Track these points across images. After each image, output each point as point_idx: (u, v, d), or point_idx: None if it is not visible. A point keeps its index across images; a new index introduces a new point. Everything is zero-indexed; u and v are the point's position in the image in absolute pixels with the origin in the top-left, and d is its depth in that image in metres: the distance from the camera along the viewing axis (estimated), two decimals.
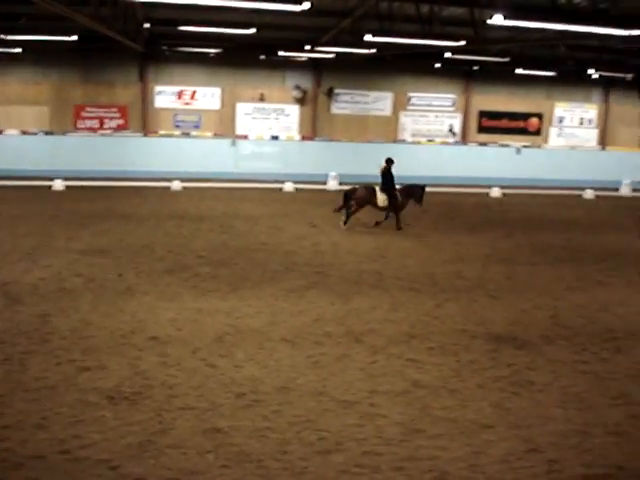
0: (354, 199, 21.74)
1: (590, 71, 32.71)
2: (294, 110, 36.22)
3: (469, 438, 9.00)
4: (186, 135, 34.70)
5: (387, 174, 21.66)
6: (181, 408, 9.41)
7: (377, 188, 21.66)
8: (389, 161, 21.80)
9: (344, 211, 21.84)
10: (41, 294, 14.23)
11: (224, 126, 35.58)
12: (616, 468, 8.52)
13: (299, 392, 10.05)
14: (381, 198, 21.55)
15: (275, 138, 35.39)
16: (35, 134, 33.17)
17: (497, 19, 16.01)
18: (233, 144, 33.40)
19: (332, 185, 30.15)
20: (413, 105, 37.45)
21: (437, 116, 37.81)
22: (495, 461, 8.49)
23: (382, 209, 22.00)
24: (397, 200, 21.82)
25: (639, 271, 18.13)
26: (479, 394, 10.35)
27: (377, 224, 22.19)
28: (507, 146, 36.85)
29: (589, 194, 31.27)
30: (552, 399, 10.35)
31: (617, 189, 32.64)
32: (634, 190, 32.63)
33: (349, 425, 9.17)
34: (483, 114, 38.11)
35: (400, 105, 37.25)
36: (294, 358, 11.28)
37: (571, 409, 10.05)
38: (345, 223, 21.82)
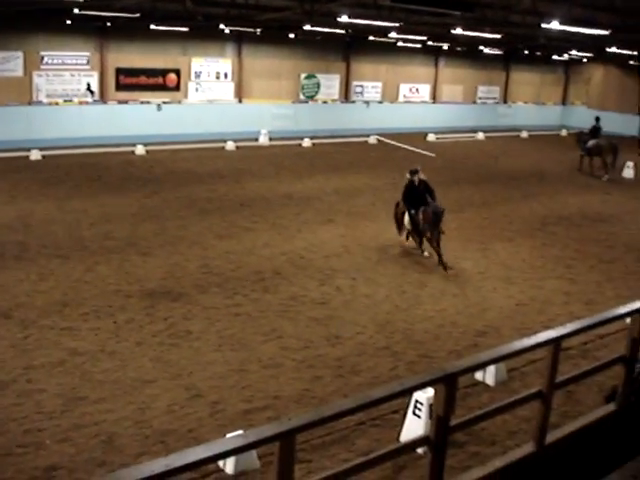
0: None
1: (222, 26, 33.62)
2: None
3: (132, 396, 9.10)
4: None
5: (412, 190, 15.79)
6: None
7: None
8: (416, 172, 15.75)
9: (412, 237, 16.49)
10: None
11: None
12: (274, 398, 9.22)
13: None
14: (406, 219, 16.07)
15: None
16: None
17: None
18: None
19: None
20: (47, 64, 35.59)
21: (73, 75, 36.33)
22: (161, 413, 8.71)
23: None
24: (418, 225, 15.70)
25: (279, 215, 19.41)
26: (139, 351, 10.46)
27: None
28: (148, 103, 36.74)
29: (230, 146, 32.46)
30: (209, 344, 10.82)
31: (256, 139, 34.30)
32: (270, 139, 34.57)
33: (6, 406, 8.74)
34: (120, 71, 37.44)
35: (32, 65, 35.16)
36: None
37: (227, 351, 10.61)
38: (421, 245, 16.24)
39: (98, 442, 8.04)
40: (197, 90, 39.54)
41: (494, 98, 49.33)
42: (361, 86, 43.64)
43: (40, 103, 35.27)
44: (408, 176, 15.78)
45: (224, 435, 7.03)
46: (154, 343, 10.75)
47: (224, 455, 3.97)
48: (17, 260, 14.62)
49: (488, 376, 9.81)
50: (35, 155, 27.34)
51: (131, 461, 7.52)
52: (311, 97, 42.14)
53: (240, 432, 6.41)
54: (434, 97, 46.49)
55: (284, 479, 4.15)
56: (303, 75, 41.78)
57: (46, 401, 8.92)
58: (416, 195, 15.58)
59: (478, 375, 9.84)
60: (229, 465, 7.46)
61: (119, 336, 10.98)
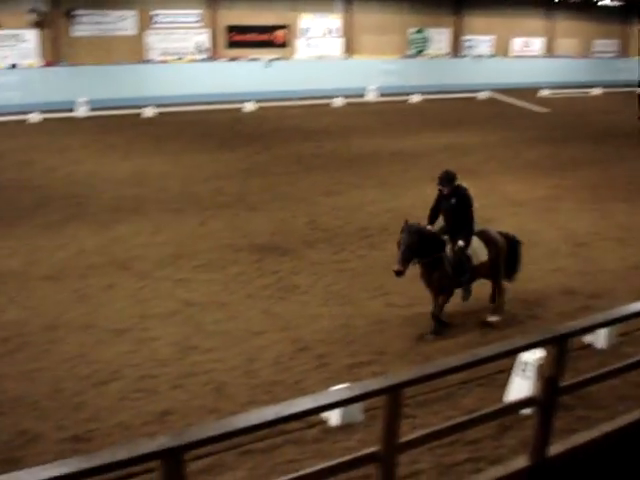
0: None
1: None
2: (32, 35, 33.86)
3: (242, 347, 9.37)
4: None
5: (444, 203, 9.89)
6: None
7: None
8: (447, 178, 9.74)
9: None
10: None
11: None
12: (378, 354, 9.29)
13: (68, 328, 9.84)
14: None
15: (14, 66, 32.96)
16: None
17: None
18: None
19: (81, 112, 28.80)
20: (158, 23, 36.38)
21: (184, 33, 37.07)
22: (268, 364, 8.94)
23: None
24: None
25: (386, 172, 19.33)
26: (248, 304, 10.73)
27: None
28: (257, 60, 37.08)
29: (337, 102, 32.45)
30: (316, 299, 10.98)
31: (363, 95, 34.13)
32: (381, 95, 34.33)
33: (123, 353, 9.17)
34: (231, 29, 37.89)
35: (145, 24, 36.02)
36: (58, 295, 10.96)
37: (334, 305, 10.74)
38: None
39: (209, 390, 8.34)
40: (306, 46, 39.50)
41: (612, 52, 47.18)
42: (472, 40, 42.60)
43: (152, 61, 36.08)
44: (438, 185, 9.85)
45: (329, 388, 7.17)
46: (263, 296, 11.00)
47: (332, 406, 4.06)
48: (134, 213, 15.21)
49: (599, 339, 9.57)
50: (148, 112, 28.13)
51: (240, 409, 7.76)
52: (420, 52, 41.44)
53: (346, 385, 6.51)
54: (548, 51, 44.87)
55: (390, 433, 4.21)
56: (412, 30, 41.09)
57: (160, 349, 9.30)
58: (445, 216, 9.89)
59: (588, 338, 9.61)
60: (334, 417, 7.60)
61: (230, 289, 11.29)
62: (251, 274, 11.92)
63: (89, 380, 8.48)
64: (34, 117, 27.25)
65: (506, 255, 10.22)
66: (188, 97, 31.31)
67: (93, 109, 28.52)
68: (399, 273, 9.23)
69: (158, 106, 28.83)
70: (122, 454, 3.27)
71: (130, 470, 5.98)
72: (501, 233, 10.35)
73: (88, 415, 7.76)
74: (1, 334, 9.62)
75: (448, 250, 9.63)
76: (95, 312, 10.35)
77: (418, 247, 9.29)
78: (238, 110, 30.12)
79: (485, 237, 10.01)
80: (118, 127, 25.35)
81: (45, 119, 27.07)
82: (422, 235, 9.37)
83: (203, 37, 37.59)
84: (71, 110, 28.32)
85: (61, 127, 25.79)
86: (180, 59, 36.68)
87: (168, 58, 36.51)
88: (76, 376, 8.56)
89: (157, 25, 36.51)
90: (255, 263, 12.42)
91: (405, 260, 9.24)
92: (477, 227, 10.00)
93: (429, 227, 9.79)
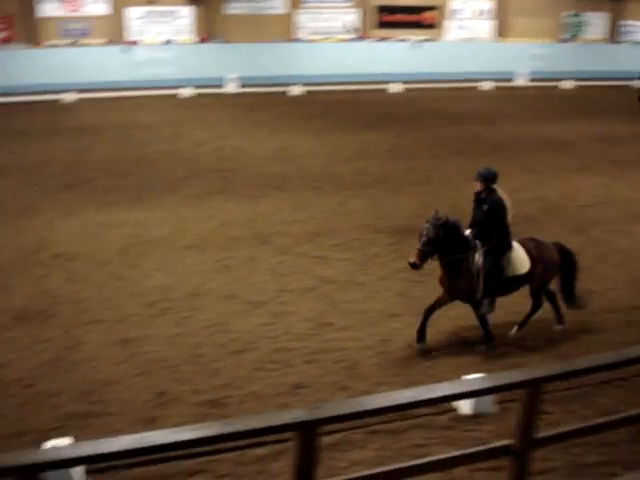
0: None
1: None
2: (187, 12, 35.08)
3: (376, 327, 9.37)
4: (75, 44, 33.25)
5: (477, 209, 9.06)
6: (91, 322, 9.42)
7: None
8: (484, 175, 9.11)
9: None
10: None
11: (115, 32, 34.21)
12: (515, 346, 9.04)
13: (209, 296, 10.18)
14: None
15: (169, 42, 34.29)
16: None
17: None
18: (125, 51, 32.18)
19: (231, 88, 29.62)
20: (308, 2, 36.80)
21: (333, 12, 37.32)
22: (402, 347, 8.89)
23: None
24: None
25: (533, 159, 18.75)
26: (384, 285, 10.71)
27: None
28: (405, 40, 36.82)
29: (485, 85, 31.78)
30: None
31: (511, 79, 33.26)
32: (531, 80, 33.35)
33: (260, 324, 9.39)
34: (381, 9, 37.80)
35: (295, 3, 36.52)
36: (202, 264, 11.35)
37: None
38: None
39: (341, 367, 8.40)
40: (457, 27, 38.82)
41: None
42: (630, 26, 40.48)
43: (301, 40, 36.49)
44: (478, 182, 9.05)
45: (460, 376, 7.06)
46: (399, 279, 10.95)
47: (469, 395, 4.01)
48: (277, 189, 15.52)
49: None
50: (296, 90, 28.55)
51: (371, 389, 7.78)
52: (574, 36, 39.83)
53: (484, 375, 6.39)
54: None
55: (526, 427, 4.10)
56: (567, 13, 39.52)
57: (296, 323, 9.46)
58: (477, 222, 8.94)
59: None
60: (465, 406, 7.48)
61: (366, 269, 11.32)
62: (388, 256, 11.90)
63: (227, 348, 8.75)
64: (186, 92, 28.26)
65: (559, 273, 9.22)
66: (335, 77, 31.53)
67: (242, 86, 29.24)
68: (414, 266, 8.44)
69: (305, 85, 29.20)
70: (260, 423, 3.35)
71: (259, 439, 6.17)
72: (558, 246, 9.30)
73: (224, 382, 8.01)
74: (148, 298, 10.08)
75: (477, 256, 8.69)
76: (236, 283, 10.65)
77: (440, 242, 8.41)
78: (384, 91, 30.03)
79: (530, 247, 9.02)
80: (265, 104, 25.89)
81: (196, 94, 28.01)
82: (448, 230, 8.45)
83: (352, 17, 37.67)
84: (221, 86, 29.14)
85: (211, 102, 26.64)
86: (328, 38, 36.93)
87: (317, 37, 36.84)
88: (215, 343, 8.85)
89: (307, 4, 36.90)
90: (393, 245, 12.38)
91: (423, 253, 8.40)
92: (523, 236, 9.25)
93: (464, 228, 8.81)
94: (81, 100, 27.39)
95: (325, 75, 31.70)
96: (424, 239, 8.39)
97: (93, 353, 8.63)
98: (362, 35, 37.71)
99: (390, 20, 38.10)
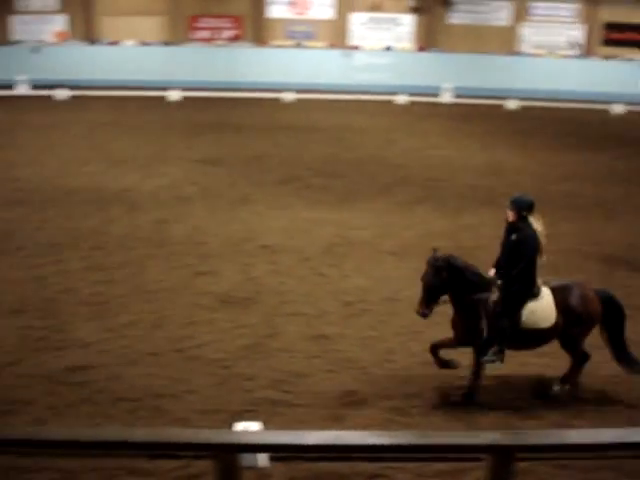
0: None
1: None
2: (409, 20, 35.33)
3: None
4: (299, 46, 34.50)
5: (506, 238, 7.85)
6: (290, 314, 9.71)
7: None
8: (517, 202, 7.74)
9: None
10: (158, 201, 14.77)
11: (337, 36, 35.14)
12: None
13: (405, 303, 10.13)
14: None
15: (389, 49, 34.69)
16: (151, 44, 33.70)
17: None
18: (346, 55, 32.98)
19: (446, 98, 29.48)
20: (533, 15, 35.83)
21: (558, 27, 36.07)
22: (601, 381, 8.38)
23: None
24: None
25: None
26: None
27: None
28: (633, 60, 34.88)
29: None
30: None
31: None
32: None
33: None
34: (609, 26, 36.03)
35: (520, 15, 35.69)
36: (401, 271, 11.35)
37: None
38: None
39: (535, 394, 8.06)
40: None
41: None
42: None
43: (522, 54, 35.60)
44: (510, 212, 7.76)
45: None
46: None
47: None
48: (484, 204, 15.19)
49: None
50: (511, 105, 27.96)
51: (565, 421, 7.40)
52: None
53: None
54: None
55: None
56: None
57: None
58: (502, 252, 7.88)
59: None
60: None
61: None
62: (595, 284, 11.26)
63: (418, 357, 8.66)
64: (401, 99, 28.48)
65: (601, 325, 7.87)
66: (554, 93, 30.54)
67: (457, 96, 29.02)
68: (424, 315, 7.60)
69: (522, 99, 28.47)
70: (455, 440, 3.27)
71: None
72: (603, 295, 7.88)
73: (413, 390, 7.95)
74: (346, 298, 10.24)
75: (494, 296, 7.56)
76: None
77: (444, 286, 7.51)
78: (605, 112, 28.64)
79: (562, 296, 7.66)
80: (480, 117, 25.54)
81: (411, 102, 28.16)
82: (452, 271, 7.47)
83: (577, 32, 36.25)
84: (436, 95, 29.10)
85: (425, 111, 26.67)
86: (551, 53, 35.76)
87: (539, 51, 35.80)
88: (407, 351, 8.82)
89: (532, 17, 35.95)
90: (602, 274, 11.73)
91: (427, 301, 7.52)
92: (560, 281, 8.02)
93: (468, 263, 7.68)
94: (299, 100, 28.36)
95: (543, 91, 30.75)
96: (423, 286, 7.53)
97: (289, 344, 8.88)
98: (586, 52, 36.18)
99: (618, 38, 36.23)
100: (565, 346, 7.87)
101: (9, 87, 28.75)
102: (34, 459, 6.71)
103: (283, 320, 9.52)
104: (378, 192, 15.77)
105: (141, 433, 3.69)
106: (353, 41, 35.28)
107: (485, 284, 7.60)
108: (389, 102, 28.14)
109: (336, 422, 7.29)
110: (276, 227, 13.26)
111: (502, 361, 7.67)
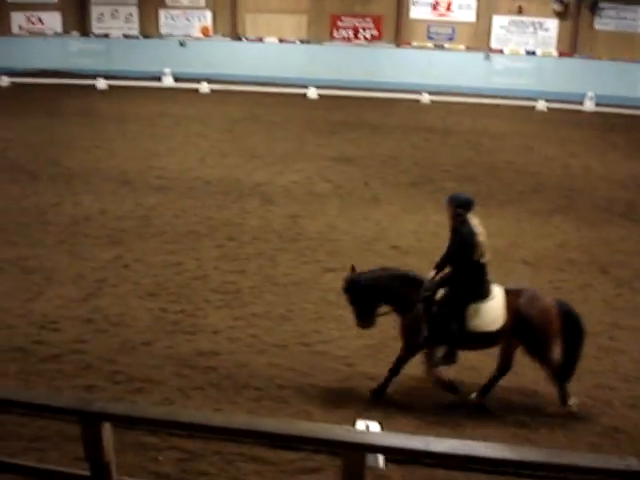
0: None
1: None
2: (553, 24, 34.32)
3: None
4: (439, 47, 34.22)
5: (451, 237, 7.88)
6: None
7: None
8: (454, 199, 8.06)
9: None
10: (292, 196, 15.06)
11: (478, 39, 34.61)
12: None
13: None
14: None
15: (531, 53, 33.85)
16: (292, 42, 34.26)
17: None
18: (486, 58, 32.43)
19: (588, 106, 28.48)
20: None
21: None
22: None
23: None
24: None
25: None
26: None
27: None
28: None
29: None
30: None
31: None
32: None
33: (587, 357, 8.92)
34: None
35: None
36: (534, 282, 11.04)
37: None
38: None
39: None
40: None
41: None
42: None
43: None
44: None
45: None
46: None
47: None
48: (624, 218, 14.58)
49: None
50: None
51: None
52: None
53: None
54: None
55: None
56: None
57: (624, 363, 8.87)
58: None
59: None
60: None
61: None
62: None
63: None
64: (541, 105, 27.75)
65: (558, 337, 7.56)
66: None
67: (600, 104, 27.99)
68: (361, 326, 7.90)
69: None
70: (586, 461, 3.19)
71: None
72: (563, 307, 7.60)
73: (539, 404, 7.78)
74: None
75: (437, 297, 7.59)
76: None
77: (365, 299, 7.67)
78: None
79: (515, 299, 7.48)
80: (623, 127, 24.52)
81: (551, 108, 27.40)
82: (360, 290, 7.64)
83: None
84: (578, 103, 28.18)
85: (565, 118, 25.86)
86: None
87: None
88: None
89: None
90: None
91: (359, 316, 7.81)
92: (518, 285, 7.98)
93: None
94: (436, 102, 28.16)
95: None
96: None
97: None
98: None
99: None
100: (529, 355, 7.70)
101: (157, 79, 30.00)
102: (160, 437, 7.04)
103: None
104: (512, 199, 15.43)
105: (272, 424, 3.78)
106: (494, 44, 34.64)
107: (417, 287, 7.62)
108: (528, 108, 27.45)
109: (455, 430, 7.24)
110: (407, 229, 13.25)
111: (454, 362, 7.67)
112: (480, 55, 32.72)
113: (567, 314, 7.58)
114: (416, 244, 12.45)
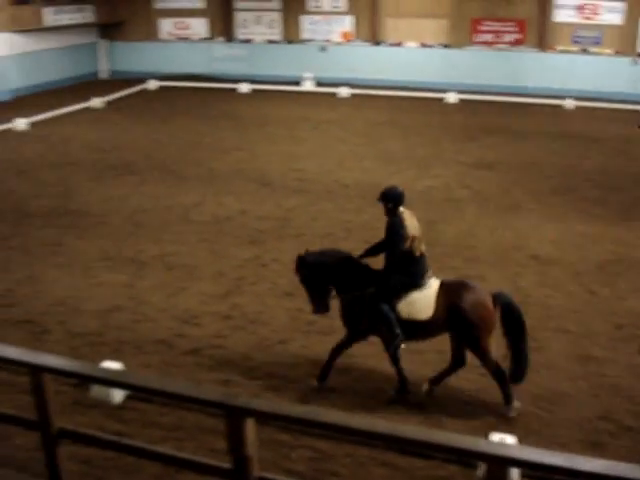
0: None
1: None
2: None
3: None
4: (584, 51, 33.07)
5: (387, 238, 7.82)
6: (555, 329, 9.43)
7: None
8: (384, 194, 7.73)
9: None
10: (429, 201, 14.93)
11: (626, 43, 33.17)
12: None
13: None
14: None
15: None
16: (432, 47, 34.02)
17: None
18: (634, 63, 31.02)
19: None
20: None
21: None
22: None
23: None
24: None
25: None
26: None
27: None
28: None
29: None
30: None
31: None
32: None
33: None
34: None
35: None
36: None
37: None
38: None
39: None
40: None
41: None
42: None
43: None
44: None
45: None
46: None
47: None
48: None
49: None
50: None
51: None
52: None
53: None
54: None
55: None
56: None
57: None
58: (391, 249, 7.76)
59: None
60: None
61: None
62: None
63: None
64: None
65: (493, 329, 7.49)
66: None
67: None
68: (317, 312, 8.02)
69: None
70: None
71: None
72: (500, 298, 7.52)
73: None
74: (618, 320, 9.75)
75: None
76: None
77: (311, 282, 7.88)
78: None
79: (450, 291, 7.53)
80: None
81: None
82: (311, 269, 7.82)
83: None
84: None
85: None
86: None
87: None
88: None
89: None
90: None
91: (313, 300, 7.97)
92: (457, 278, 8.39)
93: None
94: (580, 108, 27.21)
95: None
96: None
97: (552, 361, 8.64)
98: None
99: None
100: (468, 347, 7.67)
101: (297, 83, 30.54)
102: (293, 435, 7.17)
103: (547, 335, 9.25)
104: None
105: (413, 431, 3.76)
106: None
107: (367, 276, 7.78)
108: None
109: (591, 449, 6.99)
110: (548, 238, 12.86)
111: (401, 343, 7.75)
112: (627, 60, 31.35)
113: (505, 306, 7.55)
114: (557, 254, 12.06)
